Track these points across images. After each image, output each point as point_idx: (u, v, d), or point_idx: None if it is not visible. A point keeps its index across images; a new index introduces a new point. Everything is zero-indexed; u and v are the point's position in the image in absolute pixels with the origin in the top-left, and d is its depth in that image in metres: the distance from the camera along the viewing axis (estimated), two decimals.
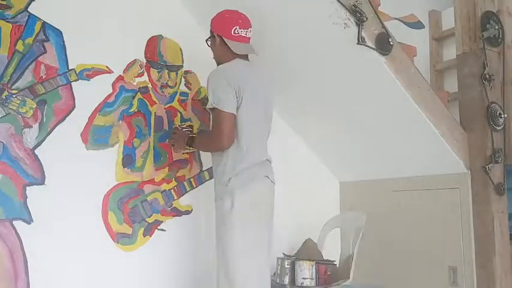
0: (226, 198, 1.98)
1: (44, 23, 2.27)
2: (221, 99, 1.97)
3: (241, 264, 1.94)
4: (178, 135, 2.45)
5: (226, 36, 2.09)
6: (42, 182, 2.18)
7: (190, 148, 2.39)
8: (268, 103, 2.16)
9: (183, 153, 2.59)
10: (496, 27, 2.58)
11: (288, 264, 2.43)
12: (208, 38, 2.20)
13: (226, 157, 2.01)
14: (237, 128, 2.00)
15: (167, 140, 2.56)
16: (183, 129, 2.49)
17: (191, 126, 2.50)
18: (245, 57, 2.14)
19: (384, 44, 2.25)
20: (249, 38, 2.14)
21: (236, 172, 1.98)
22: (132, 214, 2.42)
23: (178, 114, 2.65)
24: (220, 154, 2.04)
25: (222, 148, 2.00)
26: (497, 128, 2.50)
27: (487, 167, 2.43)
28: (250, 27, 2.13)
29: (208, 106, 2.02)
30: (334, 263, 2.56)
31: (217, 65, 2.16)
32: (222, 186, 2.01)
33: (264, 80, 2.16)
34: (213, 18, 2.16)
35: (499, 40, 2.61)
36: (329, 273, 2.46)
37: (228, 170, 2.00)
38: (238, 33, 2.09)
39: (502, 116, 2.52)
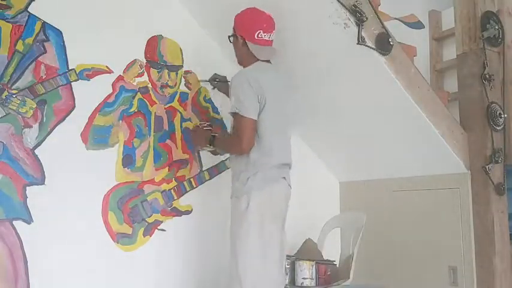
0: (243, 197, 1.99)
1: (44, 23, 2.27)
2: (243, 104, 1.97)
3: (253, 264, 1.94)
4: (200, 133, 2.45)
5: (249, 40, 2.08)
6: (42, 182, 2.18)
7: (211, 147, 2.40)
8: (289, 106, 2.17)
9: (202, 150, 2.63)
10: (496, 27, 2.57)
11: (288, 264, 2.43)
12: (231, 36, 2.17)
13: (247, 157, 2.01)
14: (260, 130, 2.01)
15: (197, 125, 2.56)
16: (204, 128, 2.48)
17: (210, 126, 2.51)
18: (267, 59, 2.14)
19: (384, 44, 2.25)
20: (272, 41, 2.13)
21: (254, 172, 1.99)
22: (132, 214, 2.42)
23: (178, 114, 2.65)
24: (242, 154, 2.05)
25: (241, 152, 2.02)
26: (497, 128, 2.50)
27: (487, 167, 2.43)
28: (274, 29, 2.12)
29: (230, 110, 2.03)
30: (334, 263, 2.56)
31: (239, 63, 2.18)
32: (240, 185, 2.02)
33: (285, 83, 2.17)
34: (236, 16, 2.13)
35: (499, 40, 2.61)
36: (329, 273, 2.46)
37: (247, 170, 2.00)
38: (262, 37, 2.08)
39: (502, 116, 2.52)
